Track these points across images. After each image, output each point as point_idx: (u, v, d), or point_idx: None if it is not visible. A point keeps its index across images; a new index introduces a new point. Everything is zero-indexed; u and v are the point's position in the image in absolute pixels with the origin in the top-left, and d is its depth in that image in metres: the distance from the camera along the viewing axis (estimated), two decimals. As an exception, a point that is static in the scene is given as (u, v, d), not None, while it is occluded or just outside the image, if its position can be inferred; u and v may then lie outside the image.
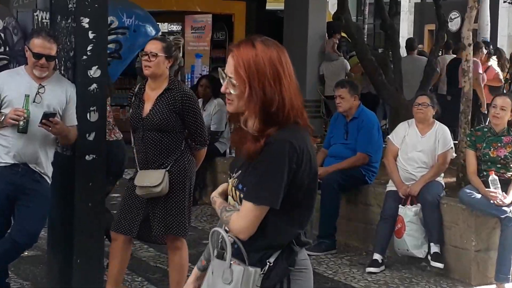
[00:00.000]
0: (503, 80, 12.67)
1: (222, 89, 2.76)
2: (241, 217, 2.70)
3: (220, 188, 2.92)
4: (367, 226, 7.32)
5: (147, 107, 5.15)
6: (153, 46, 5.18)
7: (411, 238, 6.54)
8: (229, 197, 2.85)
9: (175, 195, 5.14)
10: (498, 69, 12.57)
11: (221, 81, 2.78)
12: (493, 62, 12.73)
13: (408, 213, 6.56)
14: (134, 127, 5.23)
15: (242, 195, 2.73)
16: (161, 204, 5.12)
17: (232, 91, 2.72)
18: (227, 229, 2.79)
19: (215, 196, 2.90)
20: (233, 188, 2.80)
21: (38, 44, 5.05)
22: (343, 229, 7.37)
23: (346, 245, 7.40)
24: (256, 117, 2.72)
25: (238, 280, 2.68)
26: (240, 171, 2.79)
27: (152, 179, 5.05)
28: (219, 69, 2.80)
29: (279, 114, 2.69)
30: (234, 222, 2.71)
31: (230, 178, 2.86)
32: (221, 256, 2.76)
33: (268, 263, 2.72)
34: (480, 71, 11.63)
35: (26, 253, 5.66)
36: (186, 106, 5.11)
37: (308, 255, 2.90)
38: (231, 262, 2.71)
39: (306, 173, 2.72)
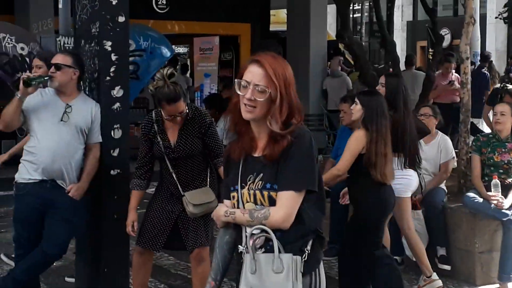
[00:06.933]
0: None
1: (248, 96, 3.03)
2: (281, 207, 2.99)
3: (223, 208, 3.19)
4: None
5: (172, 136, 5.29)
6: None
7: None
8: (246, 204, 3.11)
9: None
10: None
11: (238, 91, 3.06)
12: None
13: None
14: (163, 156, 5.31)
15: (272, 192, 3.04)
16: (192, 218, 5.33)
17: (258, 98, 3.05)
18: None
19: (229, 210, 3.14)
20: (256, 192, 3.07)
21: (55, 57, 5.48)
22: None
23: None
24: (282, 119, 3.07)
25: (289, 267, 2.96)
26: (262, 174, 3.08)
27: (206, 196, 5.28)
28: (237, 80, 3.08)
29: (296, 115, 3.09)
30: (276, 214, 2.98)
31: (242, 189, 3.11)
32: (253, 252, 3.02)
33: (306, 251, 3.03)
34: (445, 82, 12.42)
35: (55, 263, 5.91)
36: (209, 131, 5.32)
37: None
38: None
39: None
